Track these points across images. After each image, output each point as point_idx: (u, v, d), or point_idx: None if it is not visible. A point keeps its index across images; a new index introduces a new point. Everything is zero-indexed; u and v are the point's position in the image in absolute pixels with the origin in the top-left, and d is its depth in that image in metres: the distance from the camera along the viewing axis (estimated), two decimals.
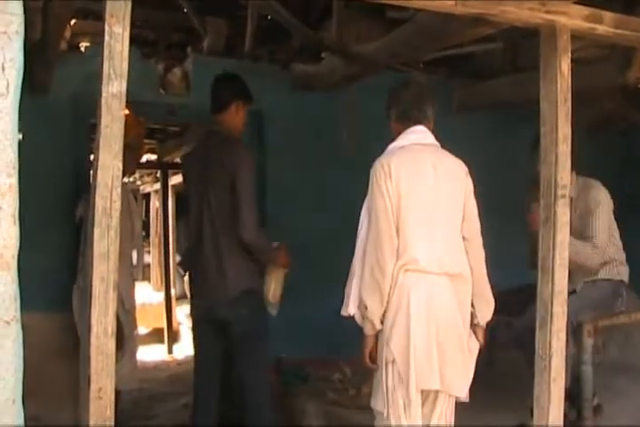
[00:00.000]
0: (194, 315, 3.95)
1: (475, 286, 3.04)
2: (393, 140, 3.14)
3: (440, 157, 3.07)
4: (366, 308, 2.94)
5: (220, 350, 3.85)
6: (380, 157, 3.02)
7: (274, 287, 3.76)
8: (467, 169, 3.11)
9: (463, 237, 3.04)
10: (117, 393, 3.56)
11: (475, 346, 3.06)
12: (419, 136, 3.09)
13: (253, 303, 3.66)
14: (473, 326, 3.08)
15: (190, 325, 4.10)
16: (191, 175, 3.84)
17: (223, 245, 3.60)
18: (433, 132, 3.16)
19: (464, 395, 3.01)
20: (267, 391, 3.75)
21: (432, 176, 2.97)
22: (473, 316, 3.07)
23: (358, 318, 3.02)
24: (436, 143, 3.13)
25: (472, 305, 3.06)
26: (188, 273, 3.94)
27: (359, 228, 3.07)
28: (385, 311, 2.94)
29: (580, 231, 3.92)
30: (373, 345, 3.02)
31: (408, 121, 3.12)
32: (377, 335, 3.01)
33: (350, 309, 3.02)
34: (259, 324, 3.69)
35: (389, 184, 2.91)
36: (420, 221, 2.93)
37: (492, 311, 3.11)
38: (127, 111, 4.20)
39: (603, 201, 3.98)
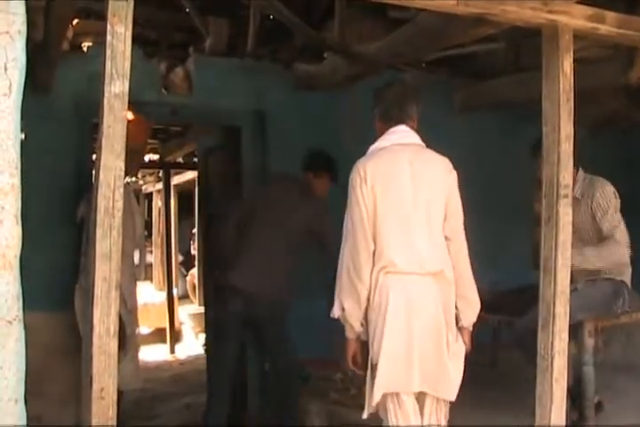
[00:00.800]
0: (223, 311, 4.18)
1: (458, 287, 3.00)
2: (375, 140, 3.13)
3: (420, 155, 3.04)
4: (344, 311, 2.96)
5: (238, 348, 4.27)
6: (357, 161, 3.03)
7: None
8: (451, 167, 3.07)
9: (445, 237, 3.01)
10: (120, 393, 3.60)
11: (460, 348, 3.01)
12: (399, 136, 3.08)
13: (288, 307, 4.23)
14: (458, 328, 3.04)
15: (211, 321, 4.31)
16: (268, 201, 4.31)
17: (285, 258, 4.18)
18: (418, 131, 3.13)
19: (452, 398, 2.98)
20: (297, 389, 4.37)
21: (409, 175, 2.96)
22: (457, 318, 3.03)
23: (342, 321, 3.04)
24: (419, 142, 3.10)
25: (456, 306, 3.02)
26: (229, 276, 4.17)
27: (343, 230, 3.05)
28: (368, 314, 2.95)
29: (597, 232, 3.92)
30: (356, 349, 3.04)
31: (390, 121, 3.11)
32: (359, 339, 3.03)
33: (337, 311, 3.03)
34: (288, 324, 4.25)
35: (364, 188, 2.92)
36: (399, 222, 2.94)
37: (476, 313, 3.08)
38: (136, 116, 4.23)
39: (611, 197, 3.97)
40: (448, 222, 3.02)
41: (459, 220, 3.05)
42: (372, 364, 2.92)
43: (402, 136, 3.08)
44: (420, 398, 2.97)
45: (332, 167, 4.38)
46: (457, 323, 3.04)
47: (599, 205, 3.92)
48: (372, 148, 3.11)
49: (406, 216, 2.94)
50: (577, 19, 2.87)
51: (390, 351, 2.85)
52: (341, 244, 3.04)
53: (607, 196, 3.95)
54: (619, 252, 3.90)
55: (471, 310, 3.06)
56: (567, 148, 2.85)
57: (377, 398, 2.86)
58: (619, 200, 4.02)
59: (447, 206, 3.02)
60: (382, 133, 3.12)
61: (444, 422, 3.02)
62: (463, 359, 3.01)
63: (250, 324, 4.20)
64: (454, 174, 3.07)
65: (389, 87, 3.20)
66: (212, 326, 4.34)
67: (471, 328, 3.10)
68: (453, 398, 2.98)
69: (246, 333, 4.29)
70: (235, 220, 4.31)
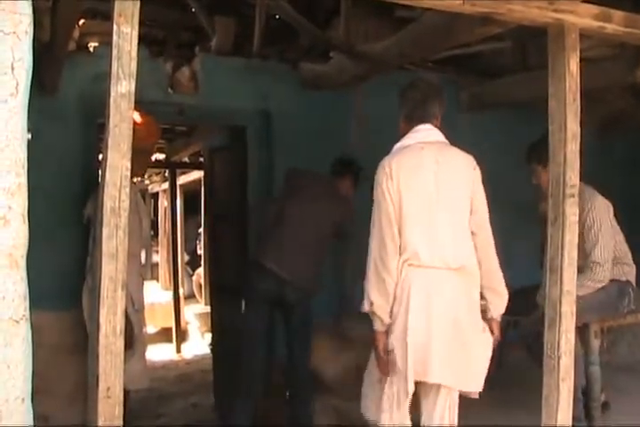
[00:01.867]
0: (257, 294, 4.28)
1: (485, 279, 3.08)
2: (398, 140, 3.19)
3: (444, 152, 3.13)
4: (372, 304, 3.00)
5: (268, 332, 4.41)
6: (383, 159, 3.12)
7: None
8: (475, 163, 3.16)
9: (471, 232, 3.08)
10: (126, 393, 3.64)
11: (488, 339, 3.08)
12: (423, 134, 3.16)
13: (312, 298, 4.31)
14: (487, 319, 3.12)
15: (247, 304, 4.37)
16: (300, 196, 4.42)
17: (315, 249, 4.31)
18: (441, 129, 3.19)
19: (476, 389, 3.05)
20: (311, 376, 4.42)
21: (433, 172, 3.06)
22: (487, 309, 3.11)
23: (370, 315, 3.08)
24: (443, 140, 3.17)
25: (484, 298, 3.09)
26: (263, 255, 4.29)
27: (371, 226, 3.11)
28: (392, 306, 3.00)
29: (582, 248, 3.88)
30: (385, 341, 3.05)
31: (413, 120, 3.20)
32: (387, 331, 3.04)
33: (366, 305, 3.06)
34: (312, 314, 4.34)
35: (390, 184, 3.02)
36: (423, 217, 3.04)
37: (505, 304, 3.16)
38: (146, 117, 4.24)
39: (597, 212, 3.91)
40: (473, 217, 3.10)
41: (484, 215, 3.13)
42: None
43: (426, 135, 3.16)
44: (432, 390, 3.03)
45: (351, 171, 4.69)
46: (486, 314, 3.12)
47: (585, 221, 3.87)
48: (396, 146, 3.19)
49: (430, 212, 3.04)
50: (583, 18, 2.86)
51: (412, 343, 2.92)
52: (369, 240, 3.11)
53: (595, 211, 3.90)
54: (595, 276, 3.85)
55: (500, 300, 3.15)
56: (573, 147, 2.84)
57: (410, 387, 2.92)
58: (610, 210, 3.97)
59: (472, 202, 3.10)
60: (406, 132, 3.21)
61: (454, 417, 3.09)
62: (491, 350, 3.08)
63: (278, 304, 4.28)
64: (478, 171, 3.15)
65: (414, 87, 3.27)
66: (246, 306, 4.41)
67: (500, 319, 3.18)
68: (479, 389, 3.04)
69: (275, 312, 4.39)
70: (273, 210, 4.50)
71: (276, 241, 4.30)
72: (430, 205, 3.03)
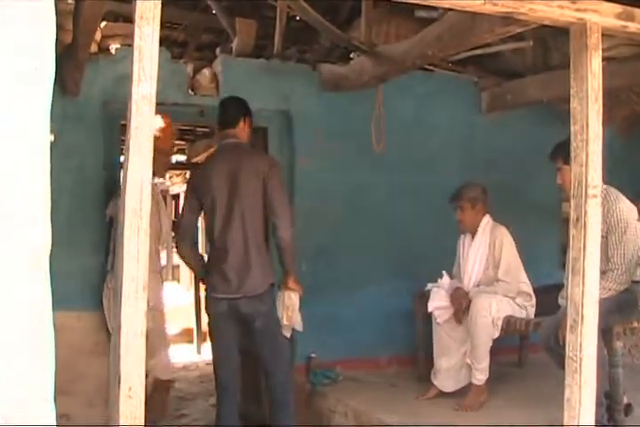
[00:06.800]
0: (213, 309, 4.04)
1: None
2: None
3: None
4: None
5: (238, 342, 4.04)
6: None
7: (289, 311, 4.03)
8: None
9: None
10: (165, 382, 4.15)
11: None
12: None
13: (273, 297, 4.00)
14: None
15: (209, 320, 4.11)
16: (213, 182, 4.01)
17: (251, 244, 3.92)
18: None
19: None
20: (290, 378, 4.07)
21: None
22: None
23: None
24: None
25: None
26: (207, 270, 4.10)
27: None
28: None
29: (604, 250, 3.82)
30: None
31: None
32: None
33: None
34: (274, 319, 4.00)
35: None
36: None
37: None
38: (165, 119, 4.28)
39: (622, 215, 3.86)
40: None
41: None
42: None
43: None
44: None
45: (245, 107, 4.21)
46: None
47: (609, 224, 3.83)
48: None
49: None
50: (606, 17, 2.83)
51: None
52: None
53: (620, 213, 3.86)
54: (617, 279, 3.79)
55: None
56: (596, 148, 2.82)
57: None
58: (635, 213, 3.92)
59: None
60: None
61: None
62: None
63: (237, 319, 3.99)
64: None
65: None
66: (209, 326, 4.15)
67: None
68: None
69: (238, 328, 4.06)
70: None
71: (218, 268, 3.96)
72: None
